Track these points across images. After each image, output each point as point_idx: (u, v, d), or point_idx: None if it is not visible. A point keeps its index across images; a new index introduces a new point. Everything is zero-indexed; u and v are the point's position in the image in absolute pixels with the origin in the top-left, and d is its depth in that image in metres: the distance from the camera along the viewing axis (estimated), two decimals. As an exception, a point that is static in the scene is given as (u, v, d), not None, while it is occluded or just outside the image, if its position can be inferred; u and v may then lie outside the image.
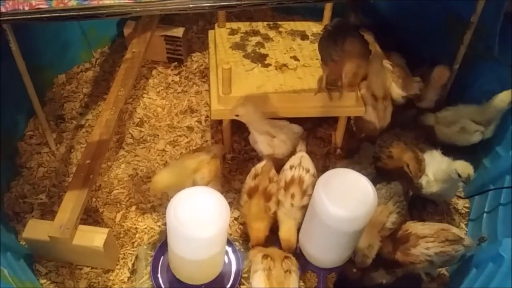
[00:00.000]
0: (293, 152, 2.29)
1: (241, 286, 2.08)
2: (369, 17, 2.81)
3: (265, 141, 2.24)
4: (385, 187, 2.14)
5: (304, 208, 2.07)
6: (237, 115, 2.17)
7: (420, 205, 2.36)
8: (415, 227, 2.04)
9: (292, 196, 2.09)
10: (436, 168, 2.18)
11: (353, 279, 2.00)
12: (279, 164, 2.27)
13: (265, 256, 1.91)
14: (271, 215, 2.10)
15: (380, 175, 2.24)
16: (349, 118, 2.55)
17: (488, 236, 2.10)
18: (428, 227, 2.03)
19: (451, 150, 2.27)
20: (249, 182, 2.17)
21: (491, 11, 2.22)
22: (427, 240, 1.97)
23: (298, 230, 2.11)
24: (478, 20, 2.26)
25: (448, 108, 2.44)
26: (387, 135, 2.38)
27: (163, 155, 2.55)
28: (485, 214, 2.22)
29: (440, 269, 2.16)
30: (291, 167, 2.17)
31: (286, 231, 2.07)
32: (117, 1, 1.67)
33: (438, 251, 1.96)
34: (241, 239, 2.23)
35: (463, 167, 2.06)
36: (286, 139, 2.28)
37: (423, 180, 2.20)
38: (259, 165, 2.21)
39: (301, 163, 2.17)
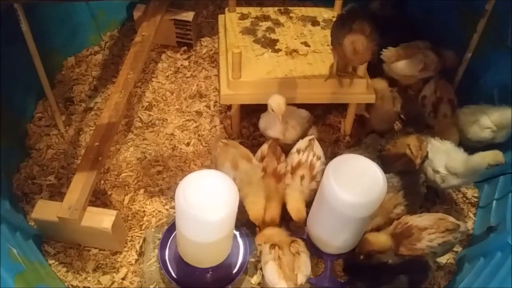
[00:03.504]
0: (302, 137, 2.29)
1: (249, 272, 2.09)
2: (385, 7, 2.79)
3: (280, 129, 2.24)
4: (397, 177, 2.13)
5: (313, 191, 2.07)
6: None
7: (428, 194, 2.34)
8: (414, 220, 2.02)
9: (302, 177, 2.10)
10: (447, 161, 2.13)
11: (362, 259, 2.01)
12: (287, 150, 2.27)
13: (273, 246, 1.91)
14: (282, 196, 2.10)
15: (384, 166, 2.22)
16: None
17: (497, 225, 2.10)
18: (426, 218, 2.02)
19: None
20: None
21: (505, 0, 2.20)
22: (429, 232, 1.97)
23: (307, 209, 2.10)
24: (492, 8, 2.24)
25: (470, 106, 2.42)
26: (397, 131, 2.42)
27: (171, 139, 2.55)
28: (494, 203, 2.21)
29: (447, 257, 2.16)
30: (298, 151, 2.18)
31: (293, 201, 2.07)
32: (128, -18, 1.66)
33: (441, 242, 1.96)
34: (249, 223, 2.23)
35: (494, 157, 2.03)
36: (296, 124, 2.28)
37: (437, 177, 2.17)
38: (264, 147, 2.22)
39: (312, 148, 2.17)
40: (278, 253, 1.88)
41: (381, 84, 2.44)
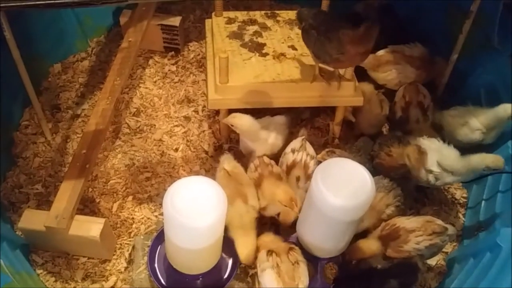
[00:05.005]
0: (286, 143, 2.31)
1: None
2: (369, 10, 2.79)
3: (260, 147, 2.25)
4: (387, 178, 2.13)
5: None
6: (232, 125, 2.21)
7: (416, 194, 2.35)
8: (402, 221, 2.02)
9: (298, 178, 2.12)
10: (440, 159, 2.10)
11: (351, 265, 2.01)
12: (275, 157, 2.27)
13: (270, 253, 1.89)
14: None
15: (377, 172, 2.21)
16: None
17: (486, 225, 2.10)
18: (414, 220, 2.02)
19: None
20: (253, 174, 2.16)
21: (491, 0, 2.21)
22: (416, 234, 1.96)
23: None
24: (478, 9, 2.25)
25: (457, 108, 2.41)
26: (388, 135, 2.40)
27: (159, 145, 2.53)
28: (483, 203, 2.21)
29: (437, 259, 2.16)
30: (292, 151, 2.19)
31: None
32: (113, -12, 1.65)
33: (428, 245, 1.96)
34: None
35: (495, 161, 2.01)
36: (277, 134, 2.30)
37: (430, 177, 2.13)
38: (256, 161, 2.22)
39: (304, 148, 2.19)
40: (276, 260, 1.86)
41: (367, 87, 2.44)
